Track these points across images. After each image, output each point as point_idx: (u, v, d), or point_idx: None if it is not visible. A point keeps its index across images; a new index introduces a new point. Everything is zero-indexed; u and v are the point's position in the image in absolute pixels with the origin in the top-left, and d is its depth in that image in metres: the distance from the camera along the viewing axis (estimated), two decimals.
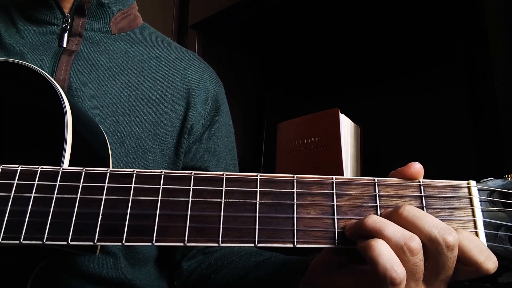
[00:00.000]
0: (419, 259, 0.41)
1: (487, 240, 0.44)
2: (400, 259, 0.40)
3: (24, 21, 0.76)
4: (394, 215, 0.44)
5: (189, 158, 0.82)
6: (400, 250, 0.40)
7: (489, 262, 0.41)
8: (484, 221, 0.45)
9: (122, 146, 0.73)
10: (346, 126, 1.26)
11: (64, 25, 0.76)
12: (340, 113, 1.23)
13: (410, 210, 0.43)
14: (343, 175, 1.18)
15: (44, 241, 0.44)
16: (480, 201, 0.46)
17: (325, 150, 1.25)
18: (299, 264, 0.56)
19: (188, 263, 0.79)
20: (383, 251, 0.40)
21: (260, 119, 1.64)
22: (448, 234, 0.41)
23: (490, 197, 0.46)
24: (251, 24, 1.61)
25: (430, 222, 0.42)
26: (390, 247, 0.41)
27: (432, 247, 0.41)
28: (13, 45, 0.73)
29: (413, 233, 0.41)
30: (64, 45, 0.75)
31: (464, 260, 0.41)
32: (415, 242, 0.40)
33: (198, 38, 1.64)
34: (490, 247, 0.43)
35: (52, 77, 0.60)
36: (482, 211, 0.46)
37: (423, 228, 0.41)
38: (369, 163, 1.29)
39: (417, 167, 0.46)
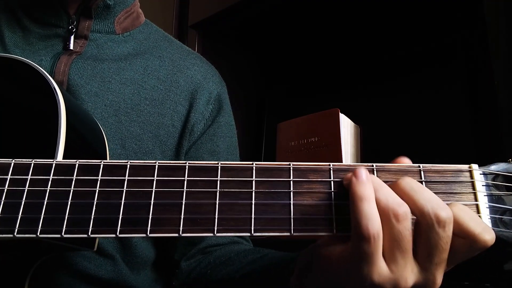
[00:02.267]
0: (404, 228, 0.40)
1: (491, 225, 0.43)
2: (385, 224, 0.40)
3: (30, 22, 0.75)
4: (393, 185, 0.43)
5: (188, 158, 0.81)
6: (386, 215, 0.40)
7: (486, 233, 0.40)
8: (487, 205, 0.44)
9: (123, 147, 0.72)
10: (346, 126, 1.26)
11: (70, 27, 0.75)
12: (340, 113, 1.23)
13: (409, 181, 0.42)
14: None
15: (38, 234, 0.43)
16: (483, 185, 0.45)
17: (325, 150, 1.24)
18: (295, 255, 0.56)
19: (187, 263, 0.78)
20: (366, 209, 0.40)
21: (260, 119, 1.64)
22: (441, 210, 0.39)
23: (494, 181, 0.45)
24: (251, 24, 1.61)
25: (425, 196, 0.41)
26: (379, 209, 0.40)
27: (423, 222, 0.40)
28: (15, 51, 0.72)
29: (408, 204, 0.41)
30: (71, 48, 0.74)
31: (460, 232, 0.40)
32: (403, 210, 0.40)
33: (198, 38, 1.64)
34: (495, 233, 0.42)
35: (47, 73, 0.60)
36: (486, 195, 0.44)
37: (417, 201, 0.41)
38: (369, 163, 1.28)
39: (405, 162, 0.46)
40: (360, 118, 1.31)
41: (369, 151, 1.30)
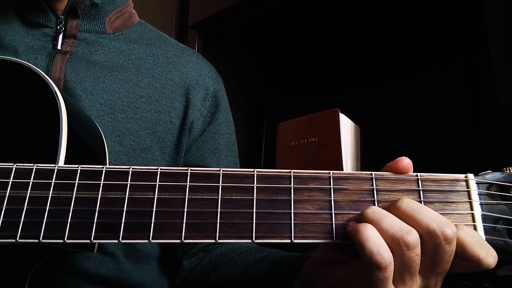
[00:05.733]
0: (415, 254, 0.40)
1: (486, 233, 0.44)
2: (395, 252, 0.40)
3: (20, 23, 0.76)
4: (392, 208, 0.43)
5: (190, 156, 0.81)
6: (396, 244, 0.40)
7: (490, 257, 0.41)
8: (482, 215, 0.45)
9: (121, 144, 0.72)
10: (346, 126, 1.26)
11: (58, 27, 0.75)
12: (340, 113, 1.23)
13: (409, 203, 0.43)
14: None
15: (40, 239, 0.43)
16: (478, 194, 0.46)
17: (325, 150, 1.24)
18: (297, 261, 0.56)
19: (189, 261, 0.79)
20: (371, 236, 0.40)
21: (260, 119, 1.64)
22: (447, 227, 0.40)
23: (488, 190, 0.46)
24: (251, 24, 1.61)
25: (429, 215, 0.41)
26: (386, 239, 0.41)
27: (430, 240, 0.41)
28: (10, 45, 0.73)
29: (411, 226, 0.41)
30: (59, 47, 0.74)
31: (466, 256, 0.41)
32: (412, 236, 0.40)
33: (198, 38, 1.64)
34: (489, 241, 0.43)
35: (47, 76, 0.60)
36: (480, 204, 0.45)
37: (421, 221, 0.41)
38: (369, 163, 1.29)
39: (406, 162, 0.47)
40: (360, 118, 1.31)
41: (369, 151, 1.30)
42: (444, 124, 1.18)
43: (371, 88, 1.38)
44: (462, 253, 0.41)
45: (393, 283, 0.41)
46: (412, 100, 1.27)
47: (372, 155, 1.29)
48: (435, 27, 1.27)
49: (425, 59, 1.28)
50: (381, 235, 0.41)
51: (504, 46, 1.05)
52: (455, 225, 0.42)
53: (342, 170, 1.18)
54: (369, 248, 0.40)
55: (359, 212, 0.44)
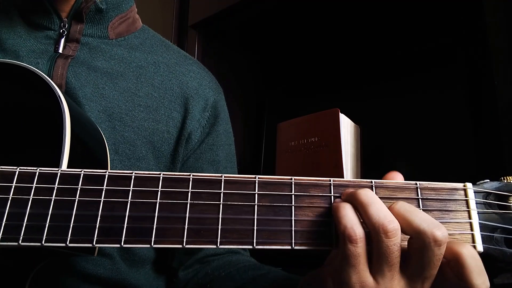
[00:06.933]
0: (393, 243, 0.41)
1: (483, 242, 0.45)
2: (374, 239, 0.42)
3: (23, 24, 0.75)
4: (388, 209, 0.44)
5: (188, 167, 0.80)
6: (376, 229, 0.41)
7: (483, 286, 0.41)
8: (480, 223, 0.45)
9: (116, 152, 0.72)
10: (346, 126, 1.26)
11: (61, 31, 0.75)
12: (340, 113, 1.23)
13: (403, 205, 0.44)
14: (343, 175, 1.18)
15: (43, 243, 0.44)
16: (476, 203, 0.46)
17: (325, 150, 1.25)
18: (297, 281, 0.56)
19: (185, 272, 0.78)
20: (348, 213, 0.43)
21: (260, 119, 1.64)
22: (437, 229, 0.41)
23: (486, 199, 0.46)
24: (251, 24, 1.61)
25: (420, 217, 0.42)
26: (368, 223, 0.42)
27: (419, 240, 0.41)
28: (11, 48, 0.73)
29: (403, 226, 0.42)
30: (60, 51, 0.74)
31: (462, 276, 0.41)
32: (393, 226, 0.41)
33: (198, 38, 1.64)
34: (486, 249, 0.44)
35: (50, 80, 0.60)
36: (478, 213, 0.46)
37: (413, 221, 0.42)
38: (369, 163, 1.29)
39: (395, 176, 0.48)
40: (360, 118, 1.31)
41: (369, 151, 1.30)
42: (444, 124, 1.19)
43: (371, 88, 1.38)
44: (459, 272, 0.41)
45: (371, 273, 0.42)
46: (412, 100, 1.27)
47: (372, 155, 1.30)
48: (435, 27, 1.27)
49: (425, 59, 1.28)
50: (364, 218, 0.43)
51: (504, 46, 1.05)
52: (461, 243, 0.42)
53: (342, 170, 1.18)
54: (344, 223, 0.42)
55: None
